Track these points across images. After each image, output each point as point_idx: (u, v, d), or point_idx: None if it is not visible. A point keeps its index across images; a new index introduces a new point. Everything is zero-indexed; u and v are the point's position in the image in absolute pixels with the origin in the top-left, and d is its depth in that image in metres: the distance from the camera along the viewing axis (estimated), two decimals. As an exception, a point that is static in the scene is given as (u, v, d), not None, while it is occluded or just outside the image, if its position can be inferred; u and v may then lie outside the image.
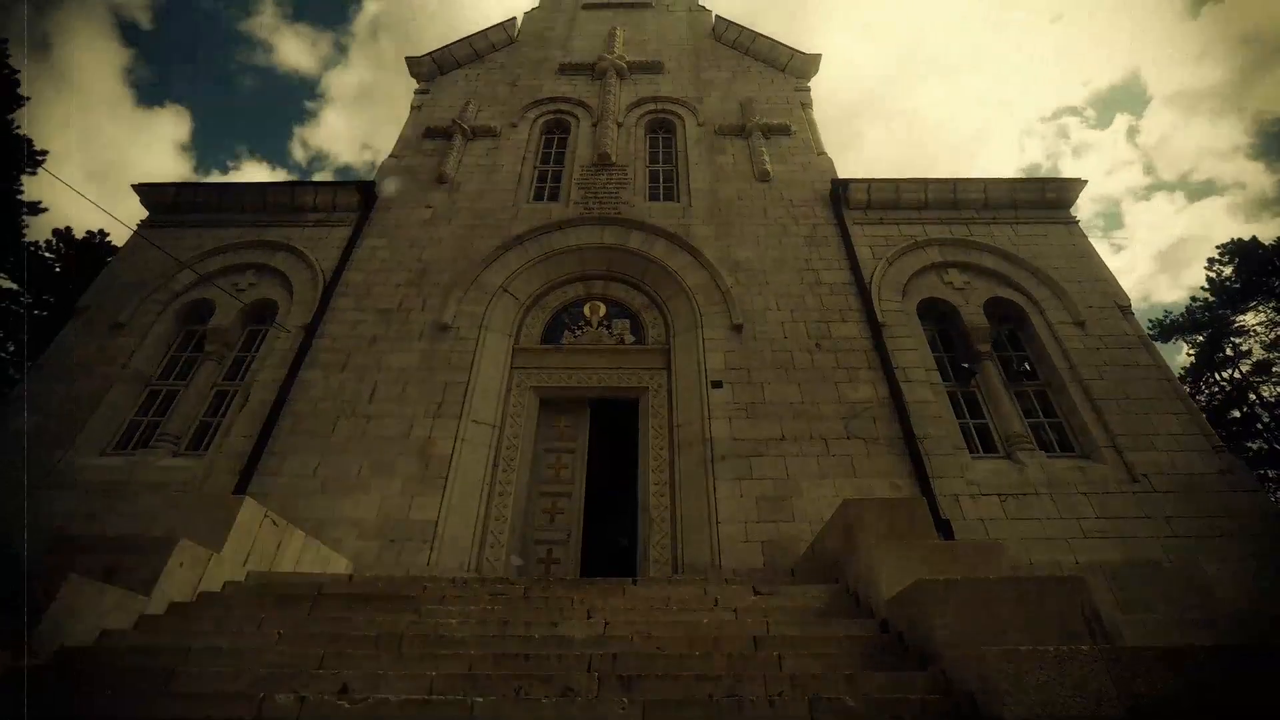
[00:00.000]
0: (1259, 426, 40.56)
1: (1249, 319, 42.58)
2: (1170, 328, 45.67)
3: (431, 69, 23.80)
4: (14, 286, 34.96)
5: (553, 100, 22.78)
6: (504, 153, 20.62)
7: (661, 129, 22.17)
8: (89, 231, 37.65)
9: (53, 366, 15.22)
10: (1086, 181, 18.10)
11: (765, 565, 11.67)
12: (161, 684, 5.24)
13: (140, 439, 14.64)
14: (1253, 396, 41.30)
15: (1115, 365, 14.71)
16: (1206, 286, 44.37)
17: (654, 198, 19.69)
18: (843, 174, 18.97)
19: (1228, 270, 43.52)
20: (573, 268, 17.28)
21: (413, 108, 22.57)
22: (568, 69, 24.01)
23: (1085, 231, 17.53)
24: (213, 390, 15.51)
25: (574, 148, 20.98)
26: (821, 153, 20.15)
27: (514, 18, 25.96)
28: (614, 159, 20.04)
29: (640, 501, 13.65)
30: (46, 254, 36.38)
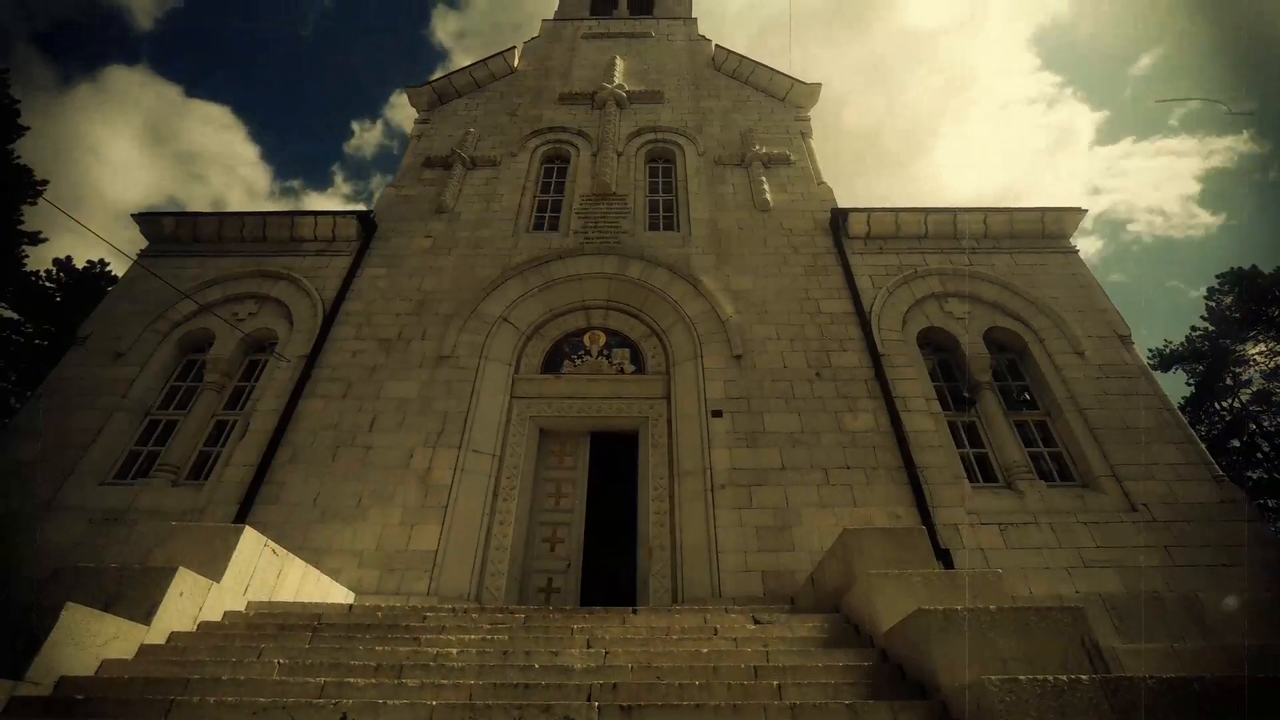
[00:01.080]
0: (1259, 456, 40.56)
1: (1249, 349, 42.60)
2: (1170, 357, 45.63)
3: (431, 98, 23.86)
4: (15, 316, 35.05)
5: (552, 130, 22.83)
6: (504, 182, 20.67)
7: (661, 158, 22.24)
8: (89, 261, 37.83)
9: (53, 396, 15.20)
10: (1085, 211, 18.17)
11: (765, 594, 11.68)
12: (161, 714, 5.24)
13: (140, 468, 14.62)
14: (1253, 426, 41.28)
15: (1115, 394, 14.73)
16: (1206, 316, 44.41)
17: (654, 227, 19.77)
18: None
19: (1228, 300, 43.54)
20: (573, 297, 17.29)
21: (412, 137, 22.62)
22: (567, 98, 24.04)
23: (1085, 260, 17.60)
24: (213, 420, 15.51)
25: (574, 177, 21.05)
26: (821, 182, 20.20)
27: (514, 47, 26.08)
28: (614, 188, 20.09)
29: (640, 531, 13.66)
30: (47, 283, 36.44)
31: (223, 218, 18.95)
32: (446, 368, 15.40)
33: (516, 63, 25.80)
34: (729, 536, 12.56)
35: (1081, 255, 17.82)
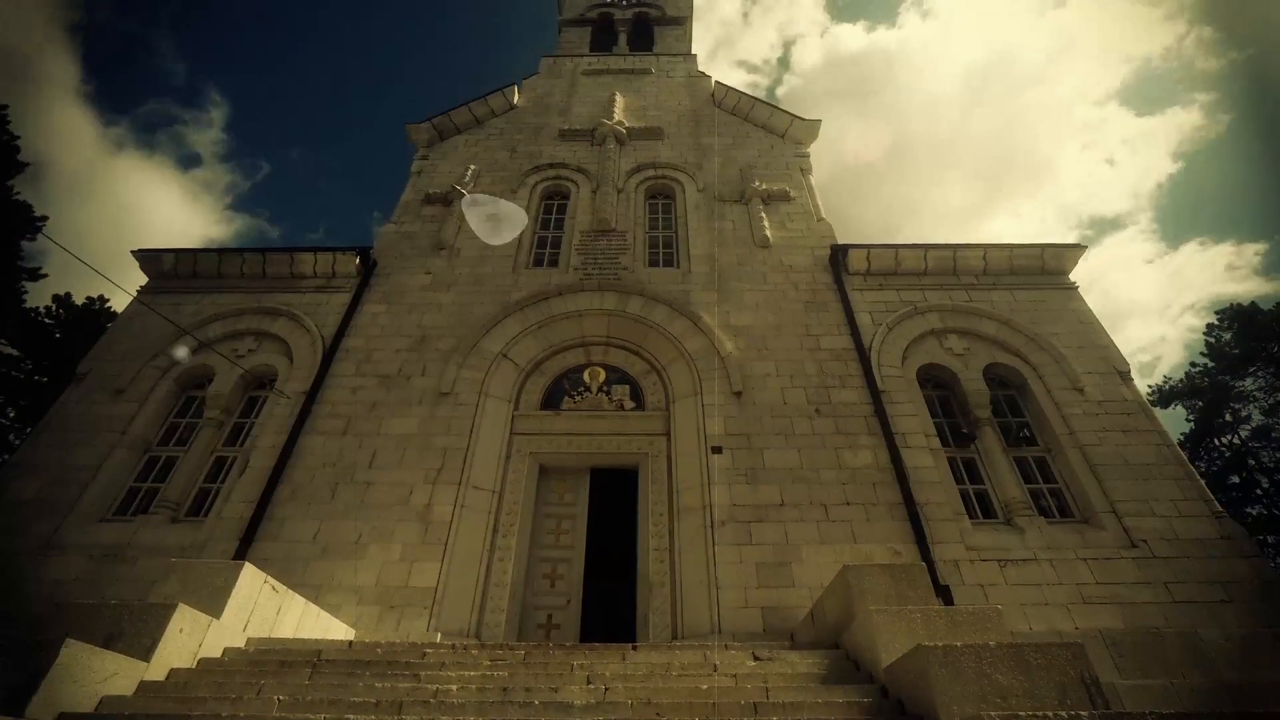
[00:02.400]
0: (1258, 492, 40.59)
1: (1248, 384, 42.68)
2: (1170, 393, 45.72)
3: (431, 135, 23.91)
4: (14, 352, 35.10)
5: (552, 166, 22.90)
6: (504, 219, 20.62)
7: (661, 194, 22.30)
8: (89, 297, 37.91)
9: (53, 432, 15.21)
10: (1085, 248, 18.21)
11: (765, 631, 11.66)
12: (161, 750, 5.23)
13: (140, 505, 14.61)
14: (1252, 462, 41.29)
15: (1115, 431, 14.73)
16: (1206, 352, 44.47)
17: (654, 264, 19.81)
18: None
19: (1227, 335, 43.62)
20: (573, 333, 17.35)
21: (412, 173, 22.64)
22: (567, 135, 24.11)
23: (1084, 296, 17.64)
24: (212, 456, 15.51)
25: (574, 214, 21.11)
26: (821, 219, 20.24)
27: (514, 84, 26.17)
28: (614, 225, 20.16)
29: (640, 567, 13.65)
30: (47, 319, 36.52)
31: (222, 254, 18.99)
32: (446, 404, 15.41)
33: (516, 99, 25.86)
34: (729, 573, 12.53)
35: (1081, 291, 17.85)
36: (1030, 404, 15.92)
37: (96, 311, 37.51)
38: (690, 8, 32.72)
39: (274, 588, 9.45)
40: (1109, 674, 10.48)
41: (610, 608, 14.63)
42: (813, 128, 23.73)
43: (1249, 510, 39.72)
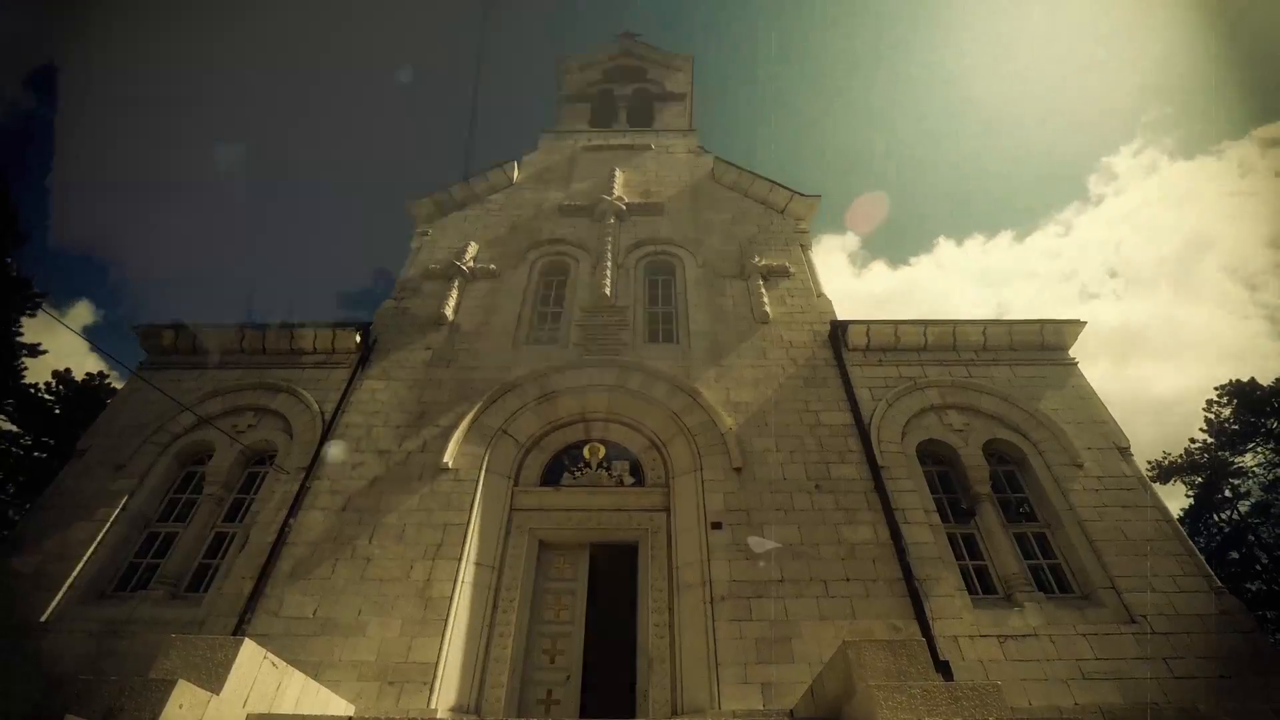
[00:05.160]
0: (1258, 567, 40.51)
1: (1248, 460, 42.73)
2: (1169, 469, 45.65)
3: (431, 210, 24.11)
4: (13, 428, 35.14)
5: (552, 242, 23.08)
6: (503, 294, 20.85)
7: (661, 270, 22.44)
8: (88, 373, 38.01)
9: (52, 508, 15.25)
10: (1085, 323, 18.31)
11: (765, 706, 11.60)
12: (163, 826, 5.23)
13: (139, 581, 14.62)
14: (1251, 538, 41.23)
15: (1114, 506, 14.75)
16: (1205, 428, 44.56)
17: (653, 339, 19.94)
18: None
19: (1226, 411, 43.73)
20: (572, 410, 17.42)
21: (412, 249, 22.76)
22: (567, 210, 24.29)
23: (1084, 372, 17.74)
24: (212, 532, 15.52)
25: (573, 289, 21.24)
26: (821, 294, 20.39)
27: (513, 160, 26.36)
28: (613, 301, 20.29)
29: (640, 643, 13.60)
30: (46, 395, 36.57)
31: (222, 331, 19.08)
32: (446, 480, 15.43)
33: (516, 175, 26.11)
34: (728, 648, 12.49)
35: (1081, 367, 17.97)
36: (1030, 479, 15.96)
37: (96, 387, 37.62)
38: (690, 85, 33.45)
39: (274, 663, 9.43)
40: (1110, 751, 10.46)
41: (610, 682, 14.58)
42: (811, 204, 23.98)
43: (1248, 586, 39.61)
